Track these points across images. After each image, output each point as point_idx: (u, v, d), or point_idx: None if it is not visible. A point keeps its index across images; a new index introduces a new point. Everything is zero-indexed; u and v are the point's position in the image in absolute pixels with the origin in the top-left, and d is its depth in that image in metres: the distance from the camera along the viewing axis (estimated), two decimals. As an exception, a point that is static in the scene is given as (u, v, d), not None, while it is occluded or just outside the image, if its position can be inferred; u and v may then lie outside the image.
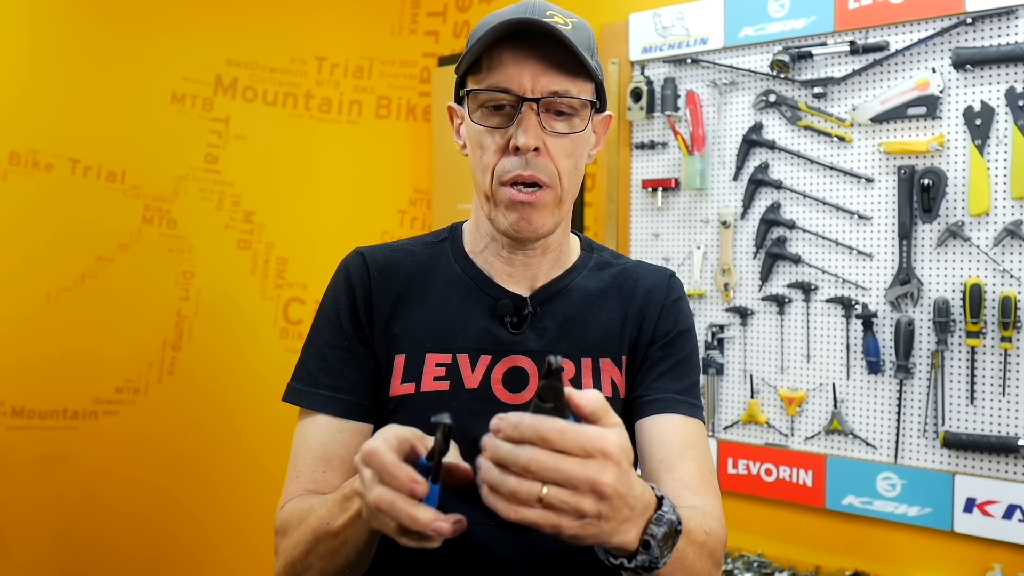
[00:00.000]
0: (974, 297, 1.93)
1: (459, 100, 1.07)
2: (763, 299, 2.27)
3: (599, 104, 1.06)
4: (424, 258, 1.12)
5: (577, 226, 2.64)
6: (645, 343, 1.11)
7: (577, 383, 1.07)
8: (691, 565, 0.90)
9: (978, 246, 1.96)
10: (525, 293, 1.09)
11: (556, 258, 1.11)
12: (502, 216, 1.02)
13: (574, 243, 1.16)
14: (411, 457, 0.78)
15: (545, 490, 0.67)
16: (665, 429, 1.05)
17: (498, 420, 0.69)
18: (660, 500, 0.79)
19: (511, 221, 1.02)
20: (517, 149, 0.98)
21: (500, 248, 1.09)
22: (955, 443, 1.96)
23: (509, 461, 0.67)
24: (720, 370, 2.34)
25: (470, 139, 1.05)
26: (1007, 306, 1.89)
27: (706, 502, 0.99)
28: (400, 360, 1.06)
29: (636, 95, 2.43)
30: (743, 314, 2.30)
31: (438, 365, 1.06)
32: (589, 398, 0.70)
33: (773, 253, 2.24)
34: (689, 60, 2.37)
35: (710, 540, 0.94)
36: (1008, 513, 1.90)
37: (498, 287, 1.09)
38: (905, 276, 2.05)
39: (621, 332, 1.10)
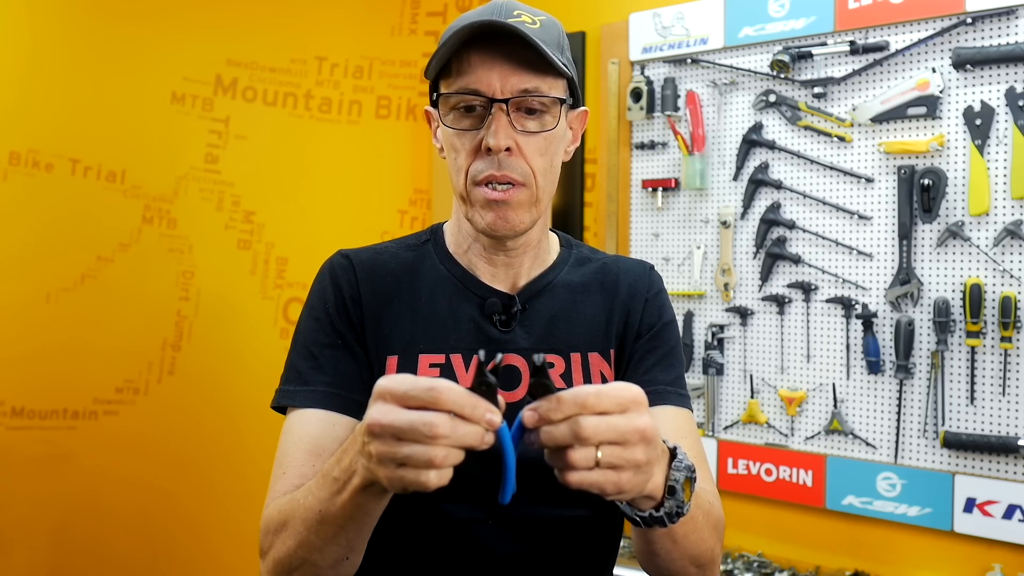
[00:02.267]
0: (974, 297, 1.93)
1: (434, 104, 1.07)
2: (763, 299, 2.27)
3: (572, 100, 1.06)
4: (408, 260, 1.12)
5: (577, 226, 2.64)
6: (632, 336, 1.12)
7: (567, 378, 1.08)
8: (700, 529, 0.95)
9: (978, 246, 1.96)
10: (509, 291, 1.10)
11: (537, 255, 1.12)
12: (479, 216, 1.03)
13: (553, 240, 1.17)
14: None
15: (600, 453, 0.73)
16: (660, 420, 1.07)
17: (530, 411, 0.74)
18: (674, 449, 0.85)
19: (488, 220, 1.02)
20: (489, 150, 0.99)
21: (482, 248, 1.09)
22: (955, 443, 1.96)
23: (565, 438, 0.72)
24: (720, 370, 2.34)
25: (444, 142, 1.06)
26: (1007, 306, 1.89)
27: (704, 486, 1.02)
28: (392, 361, 1.06)
29: (636, 95, 2.43)
30: (743, 314, 2.30)
31: (432, 365, 1.05)
32: (580, 391, 0.75)
33: (773, 253, 2.24)
34: (689, 60, 2.37)
35: (713, 511, 1.00)
36: (1008, 513, 1.90)
37: (484, 286, 1.09)
38: (905, 276, 2.05)
39: (607, 326, 1.12)
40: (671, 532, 0.88)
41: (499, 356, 0.74)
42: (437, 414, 0.71)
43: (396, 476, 0.73)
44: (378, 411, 0.74)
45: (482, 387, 0.73)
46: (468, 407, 0.72)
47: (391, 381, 0.74)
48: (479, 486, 1.02)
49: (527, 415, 0.74)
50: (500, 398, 0.74)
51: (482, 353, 0.73)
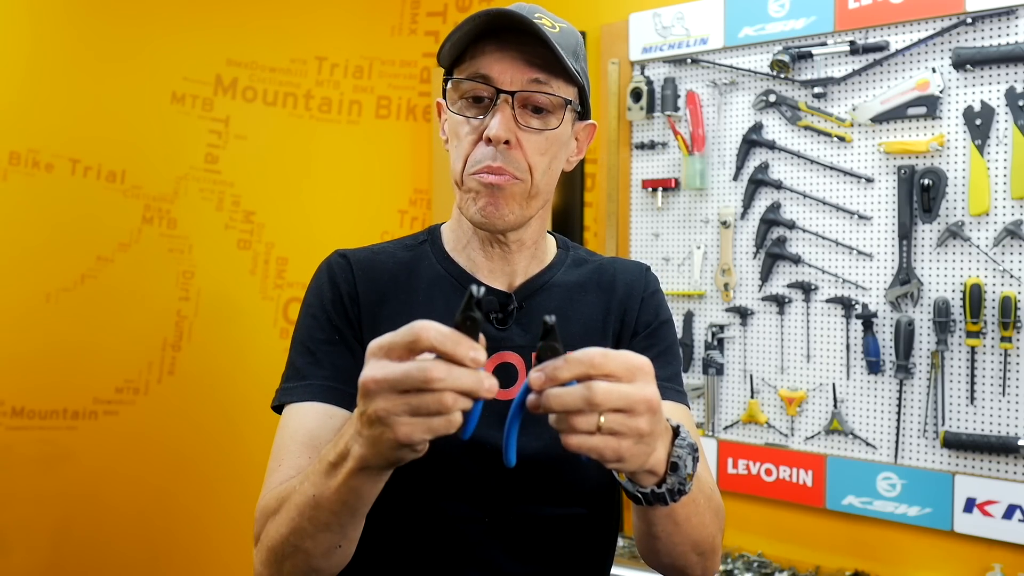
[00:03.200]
0: (974, 297, 1.93)
1: (445, 94, 1.08)
2: (763, 299, 2.27)
3: (580, 110, 1.07)
4: (405, 260, 1.12)
5: (577, 226, 2.64)
6: (628, 335, 1.13)
7: None
8: (702, 513, 0.94)
9: (978, 246, 1.96)
10: (506, 290, 1.10)
11: (533, 255, 1.12)
12: (471, 202, 1.03)
13: (550, 242, 1.18)
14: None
15: (603, 418, 0.72)
16: None
17: (537, 372, 0.73)
18: (677, 427, 0.85)
19: (479, 206, 1.02)
20: (490, 140, 1.00)
21: (480, 243, 1.10)
22: (955, 443, 1.96)
23: (576, 403, 0.71)
24: (720, 370, 2.34)
25: (449, 130, 1.07)
26: (1007, 306, 1.89)
27: (704, 476, 1.01)
28: None
29: (636, 95, 2.43)
30: (743, 314, 2.30)
31: None
32: (588, 351, 0.74)
33: (773, 253, 2.24)
34: (689, 60, 2.37)
35: (715, 497, 0.99)
36: (1008, 513, 1.90)
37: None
38: (905, 276, 2.05)
39: (604, 325, 1.12)
40: (673, 514, 0.88)
41: (482, 289, 0.73)
42: (429, 359, 0.70)
43: (403, 433, 0.71)
44: (369, 368, 0.73)
45: (467, 322, 0.72)
46: (450, 342, 0.71)
47: (376, 340, 0.75)
48: (476, 485, 1.03)
49: (534, 376, 0.73)
50: (481, 336, 0.73)
51: (473, 288, 0.72)
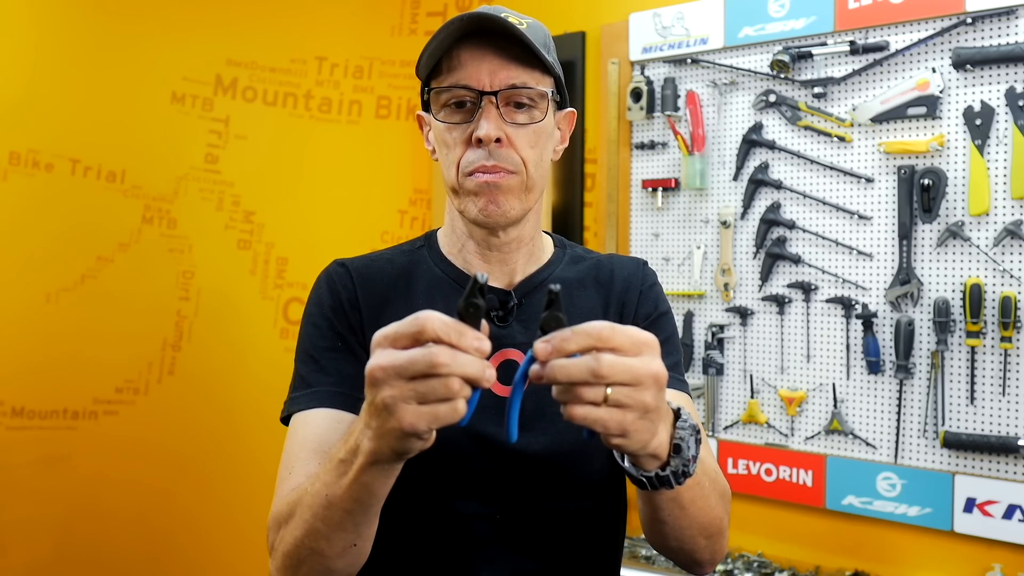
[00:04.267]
0: (974, 297, 1.93)
1: (425, 104, 1.09)
2: (763, 299, 2.27)
3: (560, 99, 1.08)
4: (403, 264, 1.13)
5: (577, 226, 2.64)
6: None
7: None
8: (707, 495, 0.94)
9: (978, 246, 1.96)
10: (506, 288, 1.11)
11: (531, 252, 1.13)
12: (471, 203, 1.04)
13: (547, 241, 1.19)
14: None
15: (610, 391, 0.72)
16: None
17: (543, 343, 0.73)
18: (677, 410, 0.84)
19: (480, 206, 1.03)
20: (480, 141, 1.01)
21: (476, 244, 1.10)
22: (955, 443, 1.96)
23: (582, 375, 0.71)
24: (720, 370, 2.34)
25: (436, 139, 1.07)
26: (1007, 306, 1.89)
27: (708, 460, 1.01)
28: None
29: (636, 95, 2.43)
30: (743, 314, 2.30)
31: None
32: (595, 324, 0.74)
33: (773, 253, 2.24)
34: (689, 60, 2.37)
35: (720, 480, 0.99)
36: (1008, 513, 1.90)
37: None
38: (905, 276, 2.05)
39: (604, 320, 1.12)
40: (678, 497, 0.87)
41: (485, 276, 0.73)
42: (433, 345, 0.71)
43: (408, 422, 0.72)
44: (375, 357, 0.74)
45: (470, 309, 0.72)
46: (454, 334, 0.71)
47: (381, 331, 0.75)
48: (487, 482, 1.03)
49: (539, 346, 0.73)
50: (484, 323, 0.74)
51: (479, 274, 0.73)
